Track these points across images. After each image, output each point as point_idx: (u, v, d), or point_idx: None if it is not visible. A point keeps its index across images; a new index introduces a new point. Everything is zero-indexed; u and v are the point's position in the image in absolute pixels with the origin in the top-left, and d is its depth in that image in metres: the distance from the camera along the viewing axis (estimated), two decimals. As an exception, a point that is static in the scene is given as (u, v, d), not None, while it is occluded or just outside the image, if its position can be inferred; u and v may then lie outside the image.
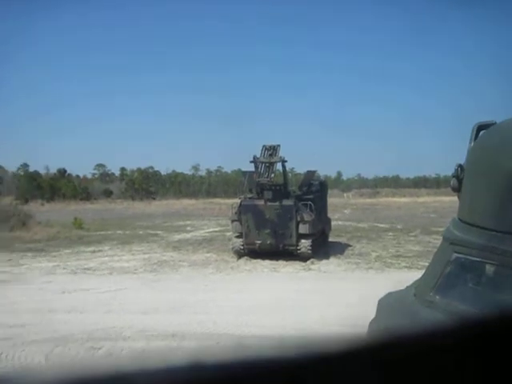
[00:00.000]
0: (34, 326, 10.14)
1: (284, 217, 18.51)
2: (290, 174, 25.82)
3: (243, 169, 22.55)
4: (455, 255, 2.72)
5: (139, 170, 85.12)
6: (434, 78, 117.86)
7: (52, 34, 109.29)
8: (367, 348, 0.71)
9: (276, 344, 0.66)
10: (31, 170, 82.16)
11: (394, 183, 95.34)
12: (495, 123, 3.06)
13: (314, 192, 20.39)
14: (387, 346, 0.72)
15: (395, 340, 0.75)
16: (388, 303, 3.43)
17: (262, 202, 18.71)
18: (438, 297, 2.72)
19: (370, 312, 3.66)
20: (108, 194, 78.95)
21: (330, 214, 23.83)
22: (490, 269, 2.47)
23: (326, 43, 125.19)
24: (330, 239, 23.22)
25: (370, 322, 3.46)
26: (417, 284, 3.20)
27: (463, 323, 0.91)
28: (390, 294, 3.59)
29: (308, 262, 18.24)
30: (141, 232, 29.71)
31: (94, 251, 21.93)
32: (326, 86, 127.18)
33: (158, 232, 29.51)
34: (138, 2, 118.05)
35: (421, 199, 62.48)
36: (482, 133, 3.11)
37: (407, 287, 3.42)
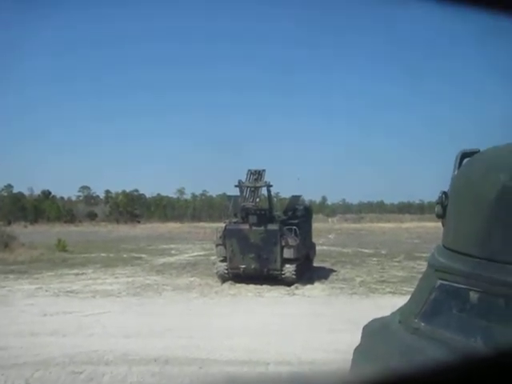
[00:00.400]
0: (15, 349, 9.98)
1: (269, 241, 18.46)
2: (275, 199, 25.84)
3: (228, 193, 22.62)
4: (440, 282, 2.73)
5: (124, 192, 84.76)
6: (422, 102, 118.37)
7: (36, 59, 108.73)
8: None
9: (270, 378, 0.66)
10: (15, 191, 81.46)
11: (378, 208, 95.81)
12: (479, 151, 3.11)
13: (298, 217, 20.44)
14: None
15: (392, 378, 0.76)
16: (373, 330, 3.43)
17: (246, 227, 18.68)
18: (423, 324, 2.73)
19: (354, 338, 3.65)
20: (92, 216, 78.57)
21: (314, 239, 23.82)
22: (474, 296, 2.48)
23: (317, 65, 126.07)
24: (315, 264, 23.17)
25: (355, 349, 3.46)
26: (402, 310, 3.21)
27: (456, 360, 0.92)
28: (374, 321, 3.59)
29: (292, 286, 18.17)
30: (125, 255, 29.48)
31: (77, 274, 21.70)
32: (311, 109, 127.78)
33: (142, 255, 29.30)
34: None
35: (405, 225, 62.77)
36: (465, 161, 3.15)
37: (392, 313, 3.43)
